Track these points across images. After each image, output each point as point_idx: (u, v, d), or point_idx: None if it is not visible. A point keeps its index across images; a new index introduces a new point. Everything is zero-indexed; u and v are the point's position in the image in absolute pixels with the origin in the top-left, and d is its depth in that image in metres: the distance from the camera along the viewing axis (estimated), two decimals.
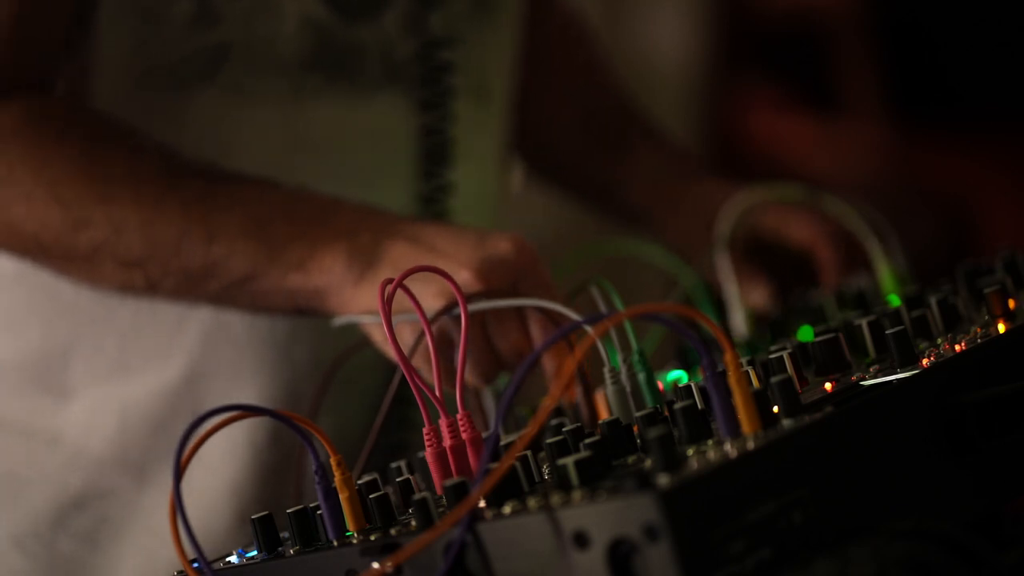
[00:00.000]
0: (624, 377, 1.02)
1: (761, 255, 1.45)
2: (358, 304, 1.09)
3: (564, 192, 1.64)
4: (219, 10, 1.20)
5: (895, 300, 1.18)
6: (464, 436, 0.96)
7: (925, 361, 0.91)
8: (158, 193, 1.13)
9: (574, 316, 1.00)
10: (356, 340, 1.26)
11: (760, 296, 1.42)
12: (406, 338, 1.06)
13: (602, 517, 0.77)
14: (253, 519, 0.97)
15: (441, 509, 0.88)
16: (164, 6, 1.19)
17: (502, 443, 0.98)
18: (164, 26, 1.19)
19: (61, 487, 1.28)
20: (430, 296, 1.04)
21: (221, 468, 1.27)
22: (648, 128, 1.60)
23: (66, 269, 1.17)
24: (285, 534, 0.98)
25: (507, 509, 0.82)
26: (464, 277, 1.05)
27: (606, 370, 1.02)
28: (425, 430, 0.96)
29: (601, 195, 1.60)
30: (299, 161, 1.25)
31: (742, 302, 1.35)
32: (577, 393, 1.07)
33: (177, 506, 0.91)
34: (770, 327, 1.29)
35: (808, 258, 1.44)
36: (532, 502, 0.81)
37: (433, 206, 1.31)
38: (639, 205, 1.57)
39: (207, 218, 1.12)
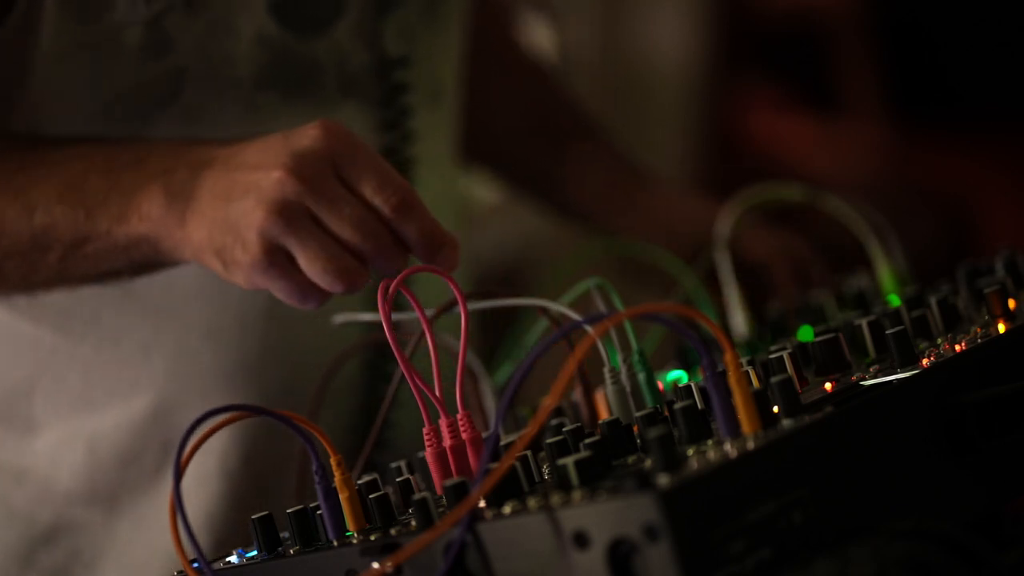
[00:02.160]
0: (624, 377, 1.02)
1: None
2: (191, 243, 1.05)
3: (511, 188, 1.62)
4: (171, 36, 1.18)
5: (895, 300, 1.18)
6: (464, 436, 0.96)
7: (925, 361, 0.91)
8: None
9: (574, 316, 1.00)
10: (354, 342, 1.26)
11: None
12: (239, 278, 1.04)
13: (602, 517, 0.77)
14: (253, 519, 0.97)
15: (441, 509, 0.88)
16: (111, 38, 1.16)
17: (502, 443, 0.98)
18: (116, 58, 1.17)
19: (29, 522, 1.26)
20: (250, 209, 1.01)
21: (194, 498, 1.23)
22: (591, 128, 1.58)
23: None
24: (285, 534, 0.98)
25: (507, 509, 0.82)
26: (276, 178, 1.01)
27: (606, 370, 1.02)
28: (425, 430, 0.96)
29: (546, 192, 1.58)
30: None
31: (741, 303, 1.35)
32: (577, 393, 1.07)
33: (177, 506, 0.91)
34: (770, 327, 1.29)
35: (763, 274, 1.44)
36: (532, 502, 0.81)
37: None
38: (586, 205, 1.55)
39: (26, 190, 1.11)
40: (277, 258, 1.01)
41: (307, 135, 1.02)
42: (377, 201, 1.01)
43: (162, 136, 1.18)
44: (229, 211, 1.02)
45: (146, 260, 1.10)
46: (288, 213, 1.00)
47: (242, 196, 1.02)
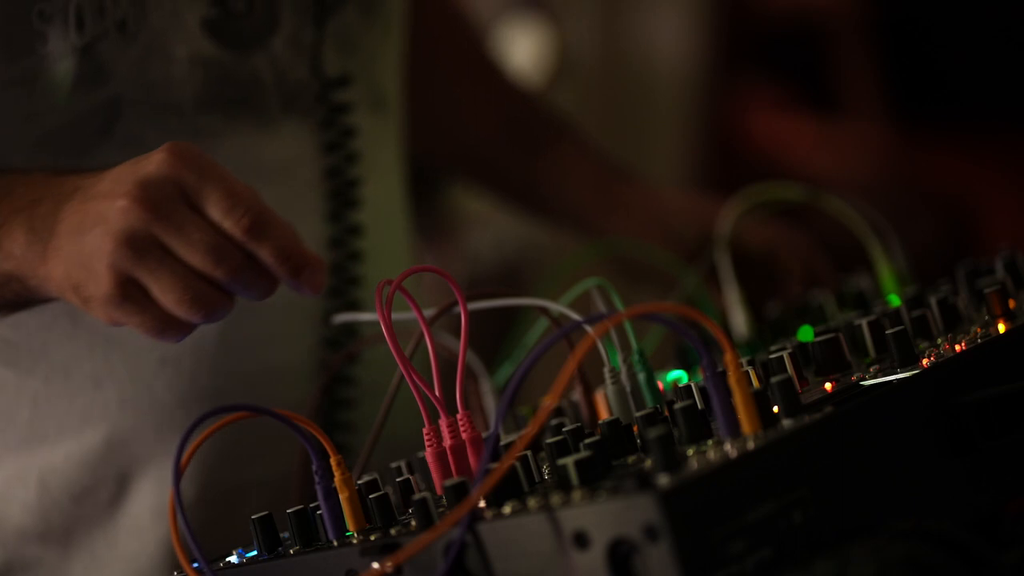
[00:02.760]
0: (624, 377, 1.02)
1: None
2: (53, 280, 1.01)
3: (497, 199, 1.61)
4: (105, 64, 1.15)
5: (895, 300, 1.18)
6: (464, 436, 0.96)
7: (925, 361, 0.91)
8: None
9: (574, 316, 1.00)
10: (354, 343, 1.26)
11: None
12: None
13: (602, 517, 0.77)
14: (253, 519, 0.97)
15: (441, 509, 0.88)
16: (43, 72, 1.14)
17: (502, 443, 0.98)
18: (50, 91, 1.15)
19: None
20: (100, 241, 0.98)
21: (151, 530, 1.22)
22: (566, 130, 1.56)
23: None
24: (285, 534, 0.98)
25: (507, 509, 0.82)
26: (120, 208, 0.97)
27: (606, 370, 1.02)
28: (425, 430, 0.96)
29: (531, 200, 1.56)
30: None
31: (741, 303, 1.35)
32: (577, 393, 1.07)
33: (177, 506, 0.91)
34: (770, 327, 1.29)
35: (770, 262, 1.44)
36: (532, 502, 0.81)
37: (343, 248, 1.26)
38: (571, 207, 1.53)
39: None
40: (130, 291, 0.98)
41: (152, 160, 0.99)
42: (227, 224, 0.97)
43: (99, 167, 1.12)
44: (83, 244, 0.99)
45: (17, 296, 1.07)
46: (135, 243, 0.97)
47: (92, 228, 0.99)
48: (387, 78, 1.31)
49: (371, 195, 1.27)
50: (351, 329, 1.26)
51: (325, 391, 1.24)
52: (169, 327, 0.99)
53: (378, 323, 0.95)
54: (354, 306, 1.25)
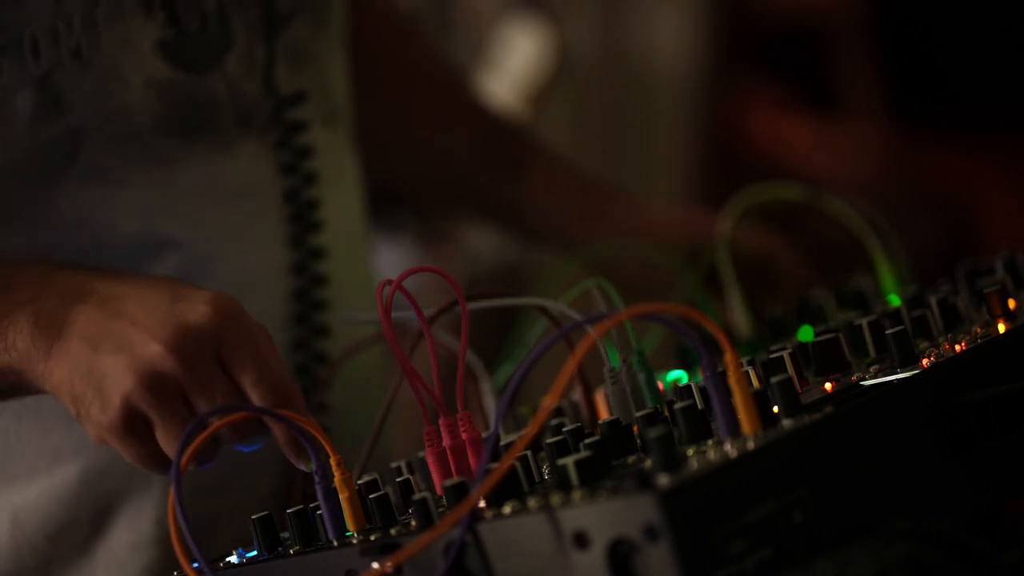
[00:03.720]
0: (624, 377, 1.02)
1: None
2: (51, 379, 1.02)
3: (479, 221, 1.60)
4: (63, 94, 1.14)
5: (895, 300, 1.18)
6: (464, 436, 0.96)
7: (925, 361, 0.91)
8: None
9: (574, 316, 1.00)
10: (355, 342, 1.26)
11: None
12: None
13: (602, 517, 0.77)
14: (253, 519, 0.97)
15: (441, 509, 0.88)
16: (2, 104, 1.13)
17: (502, 443, 0.98)
18: (8, 124, 1.13)
19: None
20: (120, 371, 0.98)
21: (130, 564, 1.20)
22: (539, 149, 1.55)
23: None
24: (285, 534, 0.98)
25: (507, 509, 0.82)
26: (155, 352, 0.98)
27: (606, 370, 1.02)
28: (425, 430, 0.96)
29: (512, 220, 1.55)
30: (173, 230, 1.18)
31: (742, 303, 1.35)
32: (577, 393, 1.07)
33: (177, 506, 0.91)
34: (770, 327, 1.29)
35: (765, 265, 1.44)
36: (532, 502, 0.81)
37: (305, 273, 1.24)
38: (552, 225, 1.52)
39: None
40: (134, 426, 0.99)
41: (196, 310, 0.99)
42: (253, 395, 0.99)
43: (65, 201, 1.14)
44: (96, 362, 0.99)
45: (11, 388, 1.06)
46: (159, 388, 0.98)
47: (114, 352, 0.99)
48: (338, 89, 1.30)
49: (331, 216, 1.26)
50: (320, 356, 1.25)
51: (324, 391, 1.24)
52: (158, 464, 1.01)
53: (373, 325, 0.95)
54: (321, 332, 1.25)
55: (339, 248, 1.27)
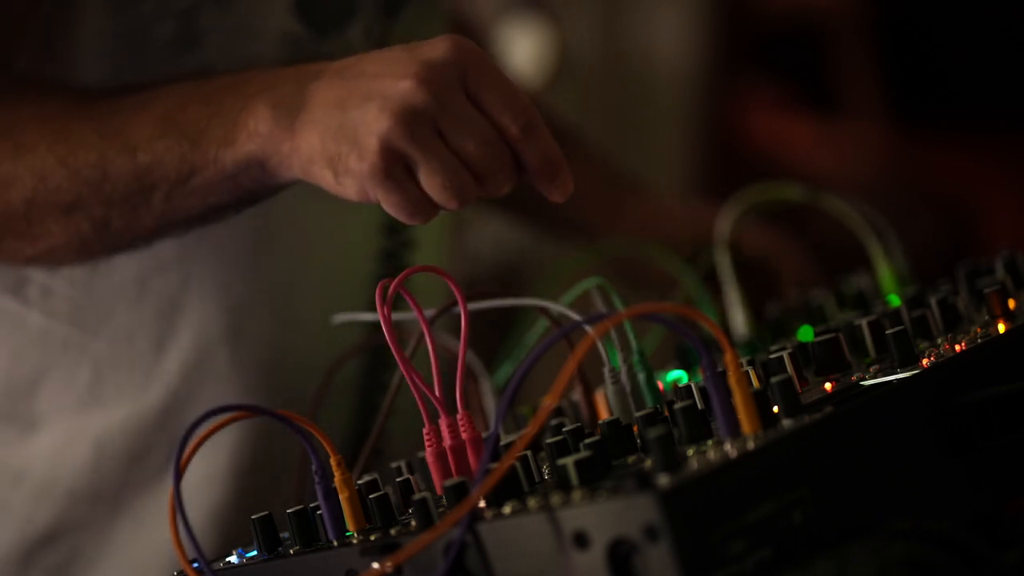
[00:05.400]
0: (624, 377, 1.02)
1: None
2: (300, 155, 1.00)
3: (494, 210, 1.59)
4: (201, 32, 1.17)
5: (895, 300, 1.18)
6: (464, 436, 0.96)
7: (925, 361, 0.91)
8: (67, 125, 1.08)
9: (574, 316, 1.00)
10: (355, 343, 1.26)
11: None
12: None
13: (602, 517, 0.77)
14: (253, 519, 0.97)
15: (441, 509, 0.88)
16: (144, 30, 1.16)
17: (502, 443, 0.98)
18: (144, 51, 1.16)
19: (27, 522, 1.24)
20: (373, 116, 0.97)
21: (203, 493, 1.23)
22: (568, 134, 1.54)
23: (20, 248, 1.12)
24: (285, 534, 0.98)
25: (507, 509, 0.82)
26: (405, 87, 0.96)
27: (606, 370, 1.02)
28: (425, 430, 0.96)
29: (531, 209, 1.55)
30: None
31: (741, 303, 1.35)
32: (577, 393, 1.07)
33: (177, 506, 0.91)
34: (770, 327, 1.29)
35: (765, 265, 1.44)
36: (532, 502, 0.81)
37: (394, 261, 1.27)
38: (573, 215, 1.51)
39: (122, 131, 1.07)
40: (395, 168, 0.97)
41: (436, 47, 0.97)
42: (504, 120, 0.97)
43: None
44: (346, 118, 0.97)
45: (254, 185, 1.05)
46: (415, 123, 0.95)
47: (362, 103, 0.97)
48: None
49: None
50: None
51: (324, 391, 1.24)
52: (421, 209, 0.98)
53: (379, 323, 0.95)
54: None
55: (429, 238, 1.29)
